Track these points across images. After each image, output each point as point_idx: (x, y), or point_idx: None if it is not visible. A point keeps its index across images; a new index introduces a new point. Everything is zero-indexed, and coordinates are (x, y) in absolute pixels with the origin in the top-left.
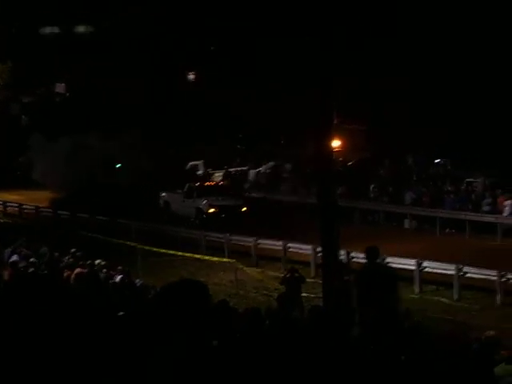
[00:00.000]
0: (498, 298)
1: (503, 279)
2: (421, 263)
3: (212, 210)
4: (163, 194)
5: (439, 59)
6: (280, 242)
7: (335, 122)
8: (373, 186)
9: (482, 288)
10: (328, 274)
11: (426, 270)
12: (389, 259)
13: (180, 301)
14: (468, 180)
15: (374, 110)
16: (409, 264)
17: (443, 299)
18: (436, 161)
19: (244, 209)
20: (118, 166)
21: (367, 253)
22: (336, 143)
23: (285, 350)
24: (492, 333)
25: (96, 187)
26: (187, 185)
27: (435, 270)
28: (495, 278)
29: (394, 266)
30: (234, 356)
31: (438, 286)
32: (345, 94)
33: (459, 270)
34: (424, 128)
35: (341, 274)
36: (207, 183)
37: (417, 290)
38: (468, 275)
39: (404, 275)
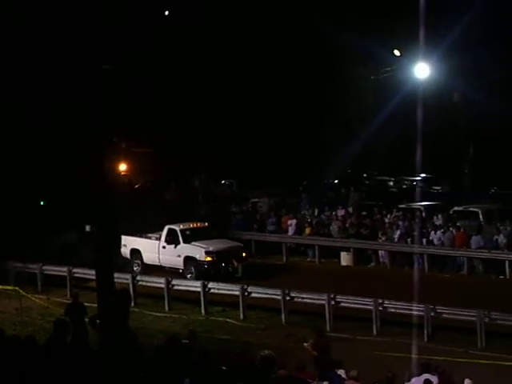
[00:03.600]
0: (283, 316)
1: (287, 298)
2: (206, 285)
3: (209, 259)
4: (126, 240)
5: (219, 85)
6: (65, 268)
7: (123, 145)
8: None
9: (268, 308)
10: (102, 298)
11: (212, 291)
12: (174, 281)
13: None
14: (253, 200)
15: (158, 134)
16: (194, 286)
17: (229, 320)
18: (222, 182)
19: (244, 254)
20: (42, 203)
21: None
22: (123, 167)
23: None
24: (267, 352)
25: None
26: (167, 227)
27: (221, 291)
28: (279, 297)
29: (180, 288)
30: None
31: (225, 307)
32: (131, 118)
33: (244, 290)
34: (209, 150)
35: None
36: (192, 225)
37: (203, 311)
38: (253, 295)
39: (190, 298)
